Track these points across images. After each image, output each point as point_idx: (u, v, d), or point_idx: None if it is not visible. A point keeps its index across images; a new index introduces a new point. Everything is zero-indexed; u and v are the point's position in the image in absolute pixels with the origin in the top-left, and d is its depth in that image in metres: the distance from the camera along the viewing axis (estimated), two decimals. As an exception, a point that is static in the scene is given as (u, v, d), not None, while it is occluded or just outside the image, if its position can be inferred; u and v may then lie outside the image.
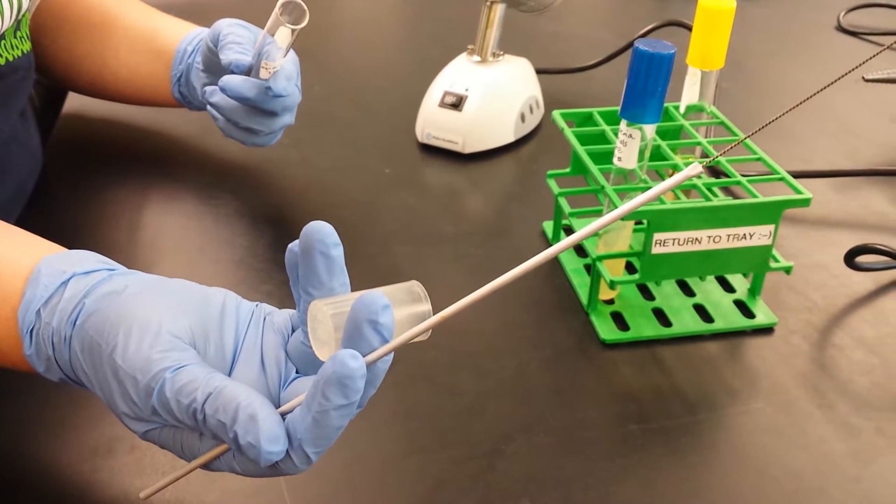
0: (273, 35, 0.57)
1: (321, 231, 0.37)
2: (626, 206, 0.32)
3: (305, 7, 0.54)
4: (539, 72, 0.84)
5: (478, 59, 0.79)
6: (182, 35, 0.70)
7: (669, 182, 0.32)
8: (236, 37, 0.61)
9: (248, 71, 0.60)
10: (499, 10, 0.77)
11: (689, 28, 0.86)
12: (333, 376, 0.34)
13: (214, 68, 0.65)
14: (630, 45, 0.88)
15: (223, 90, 0.59)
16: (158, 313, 0.38)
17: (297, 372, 0.40)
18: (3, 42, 0.60)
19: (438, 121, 0.76)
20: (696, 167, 0.32)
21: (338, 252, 0.38)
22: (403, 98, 0.83)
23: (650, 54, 0.49)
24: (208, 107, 0.63)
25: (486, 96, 0.76)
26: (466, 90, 0.76)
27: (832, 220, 0.70)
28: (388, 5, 1.16)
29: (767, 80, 0.95)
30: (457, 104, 0.76)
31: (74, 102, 0.81)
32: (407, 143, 0.78)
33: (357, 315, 0.35)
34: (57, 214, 0.68)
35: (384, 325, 0.35)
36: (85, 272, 0.41)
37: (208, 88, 0.62)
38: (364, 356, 0.35)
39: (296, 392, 0.38)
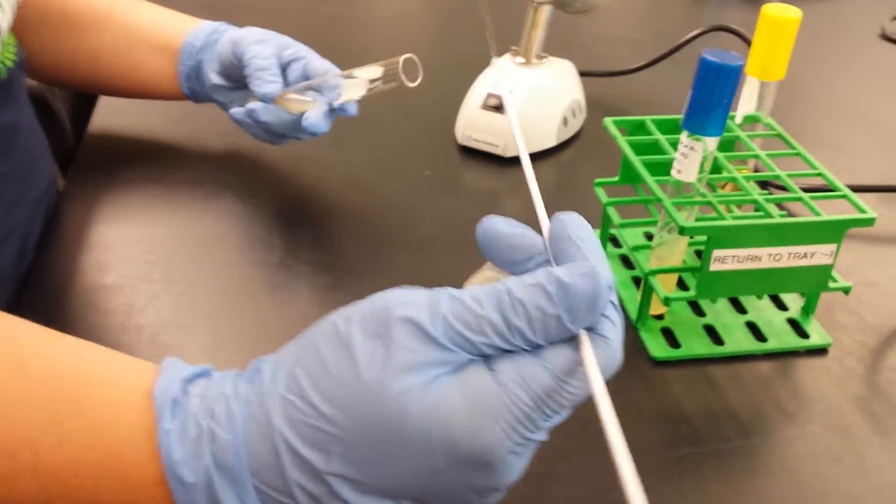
0: (350, 75, 0.58)
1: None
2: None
3: (420, 66, 0.54)
4: (582, 74, 0.82)
5: (521, 60, 0.77)
6: (186, 29, 0.68)
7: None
8: (261, 60, 0.61)
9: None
10: (546, 11, 0.75)
11: (737, 34, 0.85)
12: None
13: (233, 75, 0.65)
14: (676, 48, 0.86)
15: (252, 117, 0.62)
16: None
17: None
18: (6, 47, 0.59)
19: (480, 123, 0.74)
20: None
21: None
22: (442, 99, 0.81)
23: (718, 65, 0.47)
24: (235, 111, 0.63)
25: (530, 99, 0.75)
26: (510, 92, 0.75)
27: (884, 237, 0.68)
28: (426, 4, 1.15)
29: (811, 89, 0.93)
30: (500, 107, 0.74)
31: (105, 104, 0.79)
32: (446, 145, 0.77)
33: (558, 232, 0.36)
34: (94, 210, 0.66)
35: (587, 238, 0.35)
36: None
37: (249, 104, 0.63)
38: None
39: None
